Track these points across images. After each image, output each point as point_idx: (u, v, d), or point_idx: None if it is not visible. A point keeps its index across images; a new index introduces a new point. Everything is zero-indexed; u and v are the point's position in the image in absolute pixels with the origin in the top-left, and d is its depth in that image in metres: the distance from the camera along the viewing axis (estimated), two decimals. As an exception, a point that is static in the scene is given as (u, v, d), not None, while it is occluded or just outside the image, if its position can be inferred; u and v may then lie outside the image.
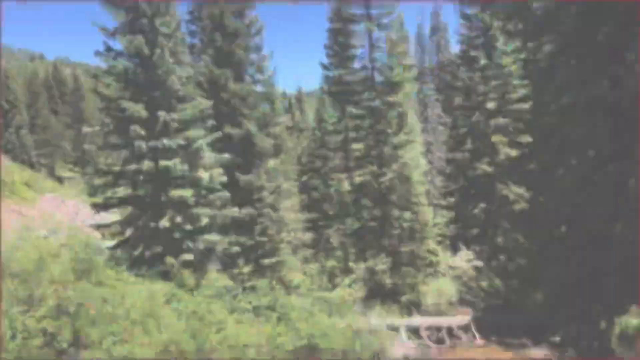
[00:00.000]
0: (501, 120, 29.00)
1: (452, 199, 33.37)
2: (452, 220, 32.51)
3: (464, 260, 28.29)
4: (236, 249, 19.57)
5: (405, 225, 25.55)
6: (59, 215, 31.23)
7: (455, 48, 50.16)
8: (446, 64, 56.41)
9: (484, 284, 25.46)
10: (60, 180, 65.26)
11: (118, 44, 16.99)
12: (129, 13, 16.81)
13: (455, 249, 29.76)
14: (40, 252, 10.88)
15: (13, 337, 9.24)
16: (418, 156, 26.64)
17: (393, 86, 25.74)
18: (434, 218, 28.56)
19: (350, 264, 25.23)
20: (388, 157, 25.71)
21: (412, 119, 27.89)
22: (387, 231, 25.87)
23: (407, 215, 25.45)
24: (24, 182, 36.24)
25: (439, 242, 28.44)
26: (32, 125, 69.82)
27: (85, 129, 17.71)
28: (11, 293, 10.00)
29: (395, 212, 25.73)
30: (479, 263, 27.24)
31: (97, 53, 16.83)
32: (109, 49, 17.12)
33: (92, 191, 18.90)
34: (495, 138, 29.04)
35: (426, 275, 25.47)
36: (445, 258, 28.24)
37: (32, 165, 57.29)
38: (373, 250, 25.65)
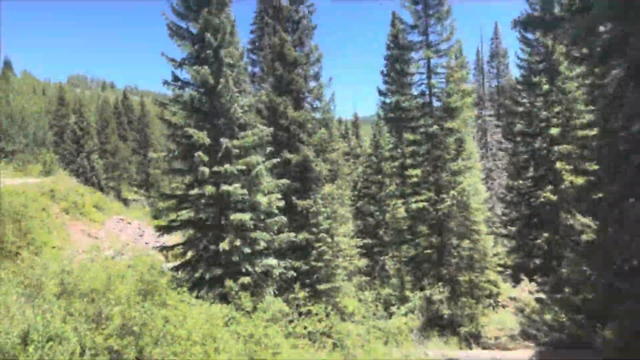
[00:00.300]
0: (565, 147, 28.00)
1: (513, 228, 32.28)
2: (513, 249, 31.43)
3: (526, 291, 27.17)
4: (292, 273, 19.78)
5: (463, 253, 24.91)
6: (125, 237, 32.69)
7: (515, 73, 49.22)
8: (506, 89, 55.31)
9: (548, 317, 24.23)
10: (125, 202, 68.32)
11: (185, 74, 17.92)
12: (195, 44, 17.74)
13: (516, 280, 28.64)
14: (109, 273, 11.41)
15: (82, 353, 9.70)
16: (477, 183, 26.03)
17: (451, 112, 25.49)
18: (494, 247, 27.66)
19: (407, 292, 24.77)
20: (446, 183, 25.30)
21: (471, 145, 27.39)
22: (445, 259, 25.29)
23: (466, 243, 24.81)
24: (93, 204, 38.10)
25: (499, 272, 27.45)
26: (102, 150, 73.91)
27: (152, 155, 18.54)
28: (81, 311, 10.52)
29: (454, 240, 25.17)
30: (542, 295, 26.04)
31: (165, 83, 17.78)
32: (176, 78, 18.06)
33: (156, 214, 19.65)
34: (559, 165, 28.02)
35: (486, 306, 24.57)
36: (505, 289, 27.21)
37: (101, 188, 60.36)
38: (430, 279, 25.10)
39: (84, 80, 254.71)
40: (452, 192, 24.46)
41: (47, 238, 19.01)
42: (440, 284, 24.17)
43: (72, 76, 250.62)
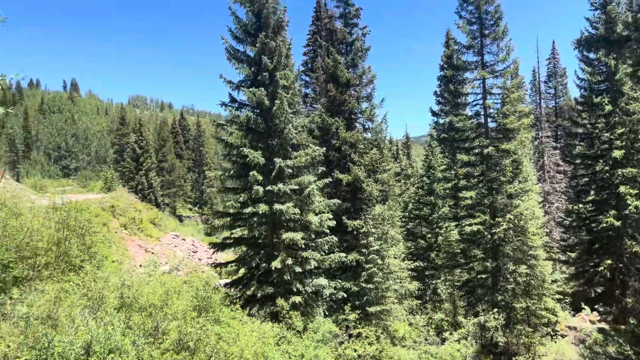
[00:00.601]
0: (630, 170, 26.68)
1: (572, 254, 30.92)
2: (572, 276, 30.03)
3: (587, 321, 25.82)
4: (342, 294, 19.68)
5: (520, 279, 23.99)
6: (179, 253, 33.56)
7: (574, 93, 47.64)
8: (565, 110, 53.48)
9: (612, 350, 22.92)
10: (180, 219, 70.33)
11: (241, 96, 18.44)
12: (252, 67, 18.25)
13: (576, 309, 27.29)
14: (166, 288, 11.73)
15: (140, 366, 9.97)
16: (534, 206, 25.13)
17: (507, 133, 24.89)
18: (552, 273, 26.52)
19: (460, 317, 24.06)
20: (502, 206, 24.59)
21: (528, 167, 26.58)
22: (500, 285, 24.44)
23: (523, 269, 23.90)
24: (150, 220, 39.50)
25: (558, 300, 26.26)
26: (159, 168, 76.66)
27: (209, 174, 19.13)
28: (139, 325, 10.84)
29: (510, 265, 24.31)
30: (605, 326, 24.65)
31: (223, 104, 18.35)
32: (233, 100, 18.61)
33: (210, 231, 20.07)
34: (623, 189, 26.69)
35: (543, 335, 23.51)
36: (564, 318, 25.96)
37: (157, 205, 62.43)
38: (484, 305, 24.27)
39: (144, 100, 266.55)
40: (508, 215, 23.73)
41: (108, 252, 19.77)
42: (495, 310, 23.34)
43: (132, 97, 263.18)
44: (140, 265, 24.82)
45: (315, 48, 40.19)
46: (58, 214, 15.29)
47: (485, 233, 24.74)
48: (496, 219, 24.58)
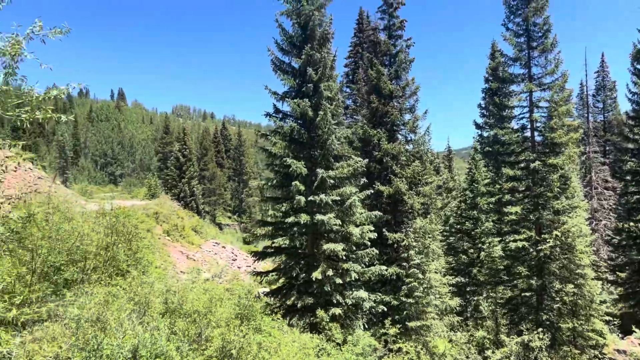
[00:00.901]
0: (687, 188, 25.47)
1: (622, 274, 29.64)
2: (621, 297, 28.74)
3: (637, 345, 24.59)
4: (382, 307, 19.45)
5: (566, 299, 23.15)
6: (219, 260, 34.01)
7: (625, 107, 45.92)
8: (614, 124, 51.64)
9: (666, 377, 21.76)
10: (220, 227, 71.36)
11: (285, 106, 18.63)
12: (296, 78, 18.43)
13: (625, 331, 26.06)
14: (210, 295, 11.87)
15: (183, 371, 10.08)
16: (582, 223, 24.27)
17: (555, 147, 24.21)
18: (600, 294, 25.45)
19: (502, 336, 23.33)
20: (548, 222, 23.85)
21: (575, 183, 25.75)
22: (546, 304, 23.63)
23: (570, 288, 23.06)
24: (192, 227, 40.23)
25: (606, 322, 25.15)
26: (200, 177, 78.17)
27: (252, 183, 19.33)
28: (184, 331, 10.99)
29: (556, 284, 23.51)
30: (659, 351, 23.43)
31: (267, 115, 18.58)
32: (277, 110, 18.82)
33: (249, 239, 20.26)
34: (679, 207, 25.49)
35: (590, 358, 22.54)
36: (613, 340, 24.82)
37: (198, 212, 63.57)
38: (528, 324, 23.51)
39: (187, 110, 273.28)
40: (554, 232, 22.99)
41: (152, 258, 20.21)
42: (539, 330, 22.54)
43: (176, 106, 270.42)
44: (182, 272, 25.26)
45: (356, 60, 40.31)
46: (107, 219, 15.75)
47: (531, 250, 24.03)
48: (542, 236, 23.85)
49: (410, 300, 20.87)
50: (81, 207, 18.56)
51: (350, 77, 42.68)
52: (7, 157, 10.51)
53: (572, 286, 23.25)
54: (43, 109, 6.43)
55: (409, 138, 24.29)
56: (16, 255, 12.04)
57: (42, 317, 8.72)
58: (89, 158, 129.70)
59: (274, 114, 18.77)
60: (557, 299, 23.46)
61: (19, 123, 6.33)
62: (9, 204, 7.28)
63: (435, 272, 22.99)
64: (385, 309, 19.95)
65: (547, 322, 23.18)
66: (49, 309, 8.70)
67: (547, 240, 23.01)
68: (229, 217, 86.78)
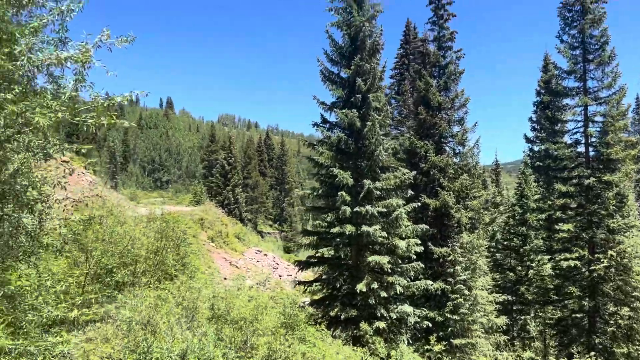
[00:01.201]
0: None
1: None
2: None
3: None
4: (427, 323, 19.04)
5: (621, 322, 22.08)
6: (261, 268, 34.25)
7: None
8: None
9: None
10: (261, 234, 72.05)
11: (332, 117, 18.66)
12: (345, 89, 18.44)
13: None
14: (257, 303, 11.90)
15: (230, 379, 10.12)
16: (639, 244, 23.18)
17: (610, 164, 23.28)
18: (660, 319, 24.11)
19: (551, 358, 22.48)
20: (602, 241, 22.89)
21: (631, 202, 24.65)
22: (598, 327, 22.62)
23: (625, 311, 22.01)
24: (235, 234, 40.74)
25: (666, 349, 23.79)
26: (244, 185, 79.30)
27: (298, 192, 19.41)
28: (230, 338, 11.05)
29: (610, 306, 22.49)
30: None
31: (315, 125, 18.65)
32: (324, 121, 18.85)
33: (294, 248, 20.29)
34: None
35: (648, 387, 21.38)
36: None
37: (241, 220, 64.39)
38: (579, 347, 22.57)
39: (232, 119, 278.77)
40: (609, 252, 22.02)
41: (198, 263, 20.52)
42: (591, 353, 21.57)
43: (222, 115, 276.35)
44: (225, 278, 25.54)
45: (402, 71, 40.07)
46: (157, 224, 16.11)
47: (583, 269, 23.11)
48: (595, 255, 22.90)
49: (456, 316, 20.39)
50: (133, 211, 19.09)
51: (396, 88, 42.47)
52: (64, 161, 10.91)
53: (628, 309, 22.19)
54: (108, 115, 6.62)
55: (457, 151, 23.86)
56: (72, 256, 12.45)
57: (96, 318, 8.95)
58: (137, 164, 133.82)
59: (321, 124, 18.82)
60: (611, 322, 22.43)
61: (85, 128, 6.52)
62: (72, 206, 7.52)
63: (482, 289, 22.40)
64: (430, 325, 19.53)
65: (600, 346, 22.17)
66: (107, 310, 8.91)
67: (601, 260, 22.06)
68: (270, 226, 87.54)
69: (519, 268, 28.24)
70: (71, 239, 9.39)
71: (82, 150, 7.81)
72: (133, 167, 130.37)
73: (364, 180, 17.46)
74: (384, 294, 16.89)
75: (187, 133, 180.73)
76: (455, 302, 20.42)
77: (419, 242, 18.89)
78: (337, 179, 17.14)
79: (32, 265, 7.42)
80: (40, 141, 6.75)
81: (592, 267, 22.43)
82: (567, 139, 26.09)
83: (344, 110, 17.64)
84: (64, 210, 7.42)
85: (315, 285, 18.72)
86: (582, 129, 24.49)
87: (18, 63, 6.14)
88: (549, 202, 26.65)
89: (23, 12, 6.65)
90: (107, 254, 13.54)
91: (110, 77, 6.67)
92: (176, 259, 16.26)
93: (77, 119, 6.48)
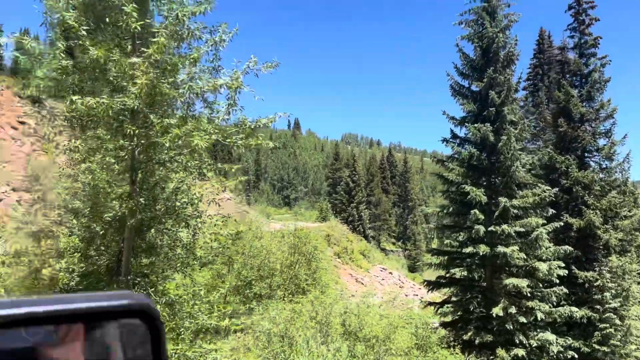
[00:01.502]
0: None
1: None
2: None
3: None
4: (572, 354, 17.39)
5: None
6: (387, 286, 33.98)
7: None
8: None
9: None
10: (384, 252, 71.62)
11: (462, 132, 18.11)
12: (476, 102, 17.81)
13: None
14: (389, 322, 11.79)
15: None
16: None
17: None
18: None
19: None
20: None
21: None
22: None
23: None
24: (360, 251, 40.99)
25: None
26: (367, 202, 79.68)
27: (427, 210, 19.01)
28: (362, 355, 11.05)
29: None
30: None
31: (444, 140, 18.23)
32: (454, 136, 18.35)
33: (423, 267, 19.85)
34: None
35: None
36: None
37: (365, 237, 64.64)
38: None
39: (355, 138, 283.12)
40: None
41: (328, 279, 20.96)
42: None
43: (345, 134, 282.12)
44: (352, 295, 25.75)
45: (536, 82, 37.73)
46: (290, 239, 16.77)
47: None
48: None
49: (605, 348, 18.42)
50: (267, 227, 20.08)
51: (529, 99, 40.05)
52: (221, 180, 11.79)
53: None
54: (255, 137, 7.05)
55: (604, 166, 21.76)
56: (214, 269, 13.39)
57: (243, 327, 9.48)
58: (267, 182, 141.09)
59: (450, 139, 18.35)
60: None
61: (235, 149, 7.00)
62: (222, 222, 8.12)
63: (636, 319, 20.03)
64: (575, 356, 17.82)
65: None
66: (253, 321, 9.42)
67: None
68: (393, 243, 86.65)
69: (683, 298, 24.72)
70: (220, 252, 10.10)
71: (227, 170, 8.35)
72: (264, 184, 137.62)
73: (499, 198, 16.62)
74: (522, 319, 15.81)
75: (312, 152, 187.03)
76: (605, 332, 18.45)
77: (563, 265, 17.43)
78: (469, 196, 16.51)
79: (188, 276, 8.10)
80: (196, 161, 7.38)
81: None
82: None
83: (476, 125, 17.03)
84: (215, 225, 8.03)
85: (446, 307, 18.09)
86: None
87: (180, 91, 6.81)
88: None
89: (183, 44, 7.37)
90: (247, 267, 14.34)
91: (243, 100, 7.13)
92: (308, 274, 16.77)
93: (228, 140, 6.99)
